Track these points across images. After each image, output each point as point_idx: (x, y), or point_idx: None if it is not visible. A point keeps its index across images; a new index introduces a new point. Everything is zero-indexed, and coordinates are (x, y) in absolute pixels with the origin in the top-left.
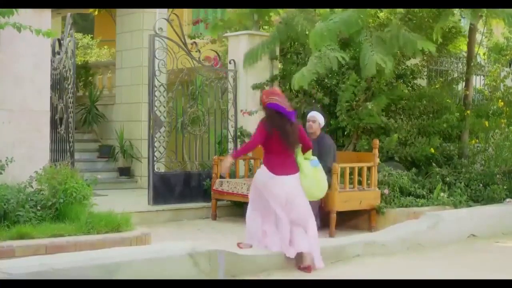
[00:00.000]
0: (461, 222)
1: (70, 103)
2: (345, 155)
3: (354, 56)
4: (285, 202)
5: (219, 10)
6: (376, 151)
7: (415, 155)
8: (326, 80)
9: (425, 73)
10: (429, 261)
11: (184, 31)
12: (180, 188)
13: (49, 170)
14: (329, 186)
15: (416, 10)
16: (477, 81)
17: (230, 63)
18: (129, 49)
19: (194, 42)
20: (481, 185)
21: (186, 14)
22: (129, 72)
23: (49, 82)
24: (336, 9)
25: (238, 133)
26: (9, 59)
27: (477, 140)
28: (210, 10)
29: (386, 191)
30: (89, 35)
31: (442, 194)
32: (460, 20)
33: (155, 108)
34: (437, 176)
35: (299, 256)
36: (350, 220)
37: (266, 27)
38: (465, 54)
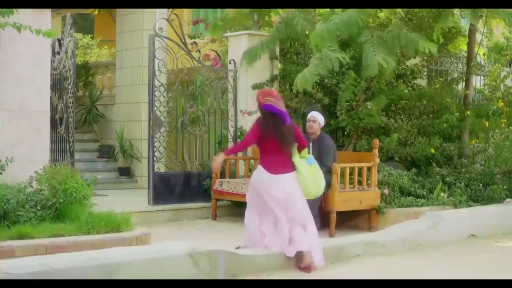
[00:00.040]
0: (461, 222)
1: (70, 103)
2: (345, 155)
3: (354, 56)
4: (283, 201)
5: (219, 10)
6: (376, 151)
7: (415, 155)
8: (326, 80)
9: (425, 73)
10: (429, 261)
11: (184, 31)
12: (180, 188)
13: (49, 170)
14: (329, 186)
15: (416, 10)
16: (477, 81)
17: (230, 63)
18: (129, 49)
19: (194, 42)
20: (481, 185)
21: (186, 14)
22: (129, 72)
23: (49, 82)
24: (336, 9)
25: (238, 133)
26: (9, 59)
27: (477, 140)
28: (210, 10)
29: (386, 191)
30: (89, 35)
31: (442, 194)
32: (460, 19)
33: (155, 108)
34: (437, 176)
35: (299, 255)
36: (350, 220)
37: (266, 27)
38: (465, 54)
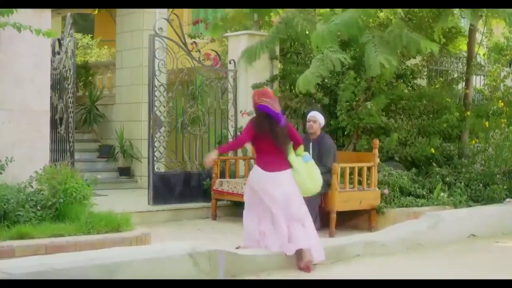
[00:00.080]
0: (461, 222)
1: (70, 103)
2: (345, 155)
3: (354, 56)
4: (280, 199)
5: (219, 10)
6: (376, 151)
7: (415, 155)
8: (326, 80)
9: (425, 73)
10: (429, 261)
11: (184, 31)
12: (180, 188)
13: (49, 170)
14: (329, 186)
15: (416, 10)
16: (477, 81)
17: (230, 63)
18: (129, 49)
19: (194, 42)
20: (481, 185)
21: (186, 14)
22: (129, 72)
23: (49, 82)
24: (336, 10)
25: (238, 133)
26: (9, 59)
27: (477, 140)
28: (210, 10)
29: (386, 191)
30: (89, 35)
31: (442, 194)
32: (460, 19)
33: (155, 108)
34: (437, 176)
35: (299, 253)
36: (350, 220)
37: (267, 27)
38: (465, 54)
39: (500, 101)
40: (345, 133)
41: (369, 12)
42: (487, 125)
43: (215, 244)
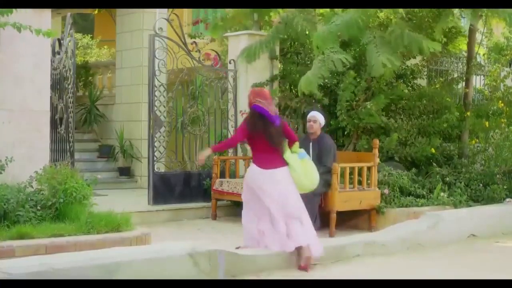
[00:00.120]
0: (461, 222)
1: (70, 103)
2: (345, 155)
3: (354, 56)
4: (277, 197)
5: (219, 10)
6: (376, 151)
7: (415, 155)
8: (326, 80)
9: (425, 73)
10: (429, 261)
11: (184, 31)
12: (180, 188)
13: (49, 170)
14: (329, 186)
15: (416, 10)
16: (477, 81)
17: (230, 63)
18: (129, 49)
19: (194, 42)
20: (481, 185)
21: (186, 14)
22: (129, 72)
23: (49, 82)
24: (336, 10)
25: None
26: (9, 59)
27: (477, 140)
28: (210, 10)
29: (386, 191)
30: (89, 35)
31: (442, 194)
32: (460, 19)
33: (155, 108)
34: (437, 176)
35: (298, 251)
36: (350, 220)
37: (267, 27)
38: (465, 54)
39: (500, 101)
40: (345, 133)
41: (369, 12)
42: (487, 125)
43: (215, 244)
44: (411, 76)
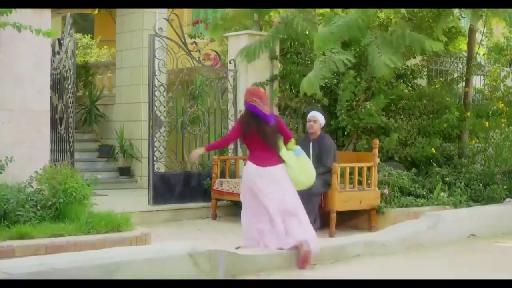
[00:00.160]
0: (461, 222)
1: (70, 103)
2: (345, 155)
3: (354, 56)
4: (274, 194)
5: (219, 10)
6: (376, 151)
7: (415, 155)
8: (326, 80)
9: (425, 73)
10: (429, 261)
11: (184, 31)
12: (180, 188)
13: (49, 170)
14: (329, 186)
15: (416, 10)
16: (477, 81)
17: (230, 63)
18: (129, 49)
19: (194, 42)
20: (481, 185)
21: (186, 14)
22: (129, 72)
23: (49, 82)
24: (336, 10)
25: None
26: (9, 59)
27: (477, 140)
28: (210, 10)
29: (386, 191)
30: (89, 35)
31: (442, 194)
32: (460, 19)
33: (155, 108)
34: (437, 176)
35: (298, 248)
36: (350, 220)
37: (267, 27)
38: (465, 54)
39: (500, 101)
40: (345, 133)
41: (369, 12)
42: (487, 125)
43: (215, 244)
44: (411, 76)
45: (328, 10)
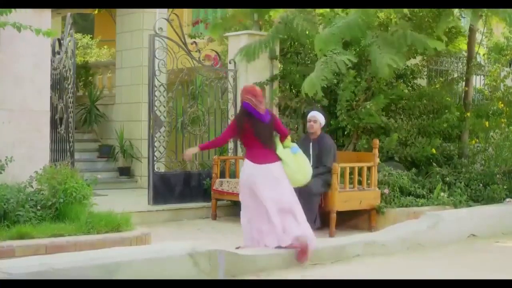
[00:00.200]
0: (461, 222)
1: (70, 103)
2: (345, 155)
3: (354, 56)
4: (272, 191)
5: (219, 10)
6: (376, 151)
7: (415, 155)
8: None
9: (425, 73)
10: (429, 261)
11: (184, 31)
12: (180, 188)
13: (49, 170)
14: (329, 186)
15: (416, 10)
16: (477, 81)
17: (230, 63)
18: (129, 49)
19: (194, 42)
20: (481, 185)
21: (186, 14)
22: (129, 72)
23: (49, 82)
24: (336, 10)
25: None
26: (9, 59)
27: (477, 140)
28: (210, 10)
29: (386, 191)
30: (89, 35)
31: (442, 194)
32: (460, 19)
33: (155, 108)
34: (437, 176)
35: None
36: (350, 220)
37: (267, 27)
38: (465, 54)
39: (500, 101)
40: (345, 133)
41: (370, 12)
42: (487, 125)
43: (215, 244)
44: (411, 76)
45: (328, 10)
